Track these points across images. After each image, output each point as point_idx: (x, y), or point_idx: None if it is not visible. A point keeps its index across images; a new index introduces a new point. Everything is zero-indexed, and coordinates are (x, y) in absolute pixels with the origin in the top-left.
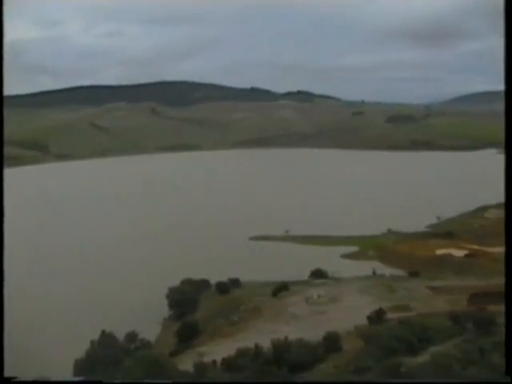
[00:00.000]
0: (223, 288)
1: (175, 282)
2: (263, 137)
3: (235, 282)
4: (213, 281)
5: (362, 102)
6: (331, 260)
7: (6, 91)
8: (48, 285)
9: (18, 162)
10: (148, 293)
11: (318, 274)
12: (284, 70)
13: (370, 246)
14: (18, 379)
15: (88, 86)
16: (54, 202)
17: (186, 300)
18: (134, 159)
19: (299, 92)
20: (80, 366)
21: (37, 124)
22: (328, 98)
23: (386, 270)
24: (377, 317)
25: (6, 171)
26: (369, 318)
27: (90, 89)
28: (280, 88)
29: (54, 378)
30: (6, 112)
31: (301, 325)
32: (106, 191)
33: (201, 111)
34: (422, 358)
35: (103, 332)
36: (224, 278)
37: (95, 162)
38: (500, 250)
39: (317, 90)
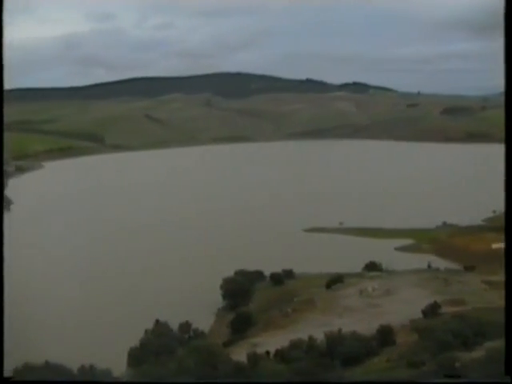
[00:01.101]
0: (277, 279)
1: (229, 272)
2: (318, 128)
3: (289, 274)
4: (267, 272)
5: (418, 93)
6: (386, 253)
7: (62, 83)
8: (103, 273)
9: (75, 152)
10: (202, 283)
11: (373, 266)
12: (339, 61)
13: (424, 239)
14: (18, 379)
15: (143, 78)
16: (109, 191)
17: (239, 291)
18: (189, 150)
19: (354, 83)
20: (134, 354)
21: (93, 116)
22: (383, 89)
23: (441, 264)
24: (431, 311)
25: (63, 161)
26: (423, 311)
27: (145, 81)
28: (335, 79)
29: (105, 367)
30: (61, 103)
31: (354, 317)
32: (161, 181)
33: (256, 103)
34: (477, 353)
35: (157, 321)
36: (278, 270)
37: (150, 153)
38: None
39: (372, 81)
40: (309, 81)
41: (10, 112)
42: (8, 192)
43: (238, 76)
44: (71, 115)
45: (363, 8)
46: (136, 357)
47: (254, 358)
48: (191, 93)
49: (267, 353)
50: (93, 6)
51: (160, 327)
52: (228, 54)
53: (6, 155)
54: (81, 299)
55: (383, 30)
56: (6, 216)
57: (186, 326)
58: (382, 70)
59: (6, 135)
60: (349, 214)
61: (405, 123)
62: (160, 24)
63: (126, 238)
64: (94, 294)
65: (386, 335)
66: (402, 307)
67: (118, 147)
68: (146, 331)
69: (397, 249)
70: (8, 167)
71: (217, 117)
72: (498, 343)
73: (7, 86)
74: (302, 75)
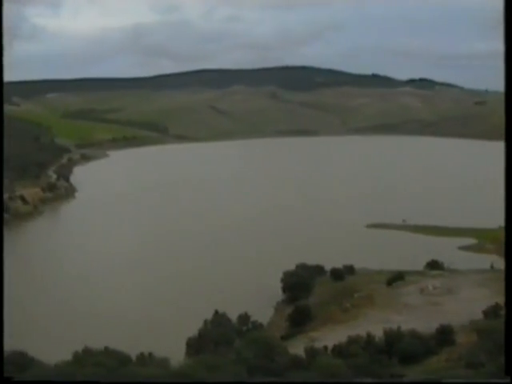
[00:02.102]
0: (338, 274)
1: (290, 266)
2: (383, 123)
3: (350, 269)
4: (328, 267)
5: (486, 91)
6: (448, 251)
7: (128, 73)
8: (165, 263)
9: (139, 142)
10: (263, 276)
11: (434, 265)
12: (405, 56)
13: (487, 239)
14: (17, 379)
15: (208, 70)
16: (172, 181)
17: (300, 285)
18: (253, 142)
19: (421, 79)
20: (192, 344)
21: (157, 106)
22: (450, 85)
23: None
24: (493, 312)
25: (127, 151)
26: (484, 312)
27: (210, 72)
28: (401, 75)
29: (163, 355)
30: (126, 93)
31: (414, 315)
32: (225, 173)
33: (321, 96)
34: None
35: (216, 312)
36: (339, 265)
37: (214, 144)
38: None
39: (438, 77)
40: (374, 76)
41: (75, 101)
42: (73, 180)
43: (303, 69)
44: (136, 105)
45: (431, 2)
46: (194, 346)
47: (311, 352)
48: (256, 85)
49: (325, 347)
50: None
51: (219, 318)
52: (293, 47)
53: (71, 142)
54: (141, 288)
55: (450, 24)
56: (71, 203)
57: (244, 318)
58: (448, 66)
59: (72, 123)
60: (412, 212)
61: (473, 120)
62: (226, 16)
63: (188, 228)
64: (155, 284)
65: (445, 335)
66: (463, 307)
67: (181, 138)
68: (205, 322)
69: (460, 248)
70: (73, 155)
71: (281, 109)
72: None
73: (74, 75)
74: (367, 70)
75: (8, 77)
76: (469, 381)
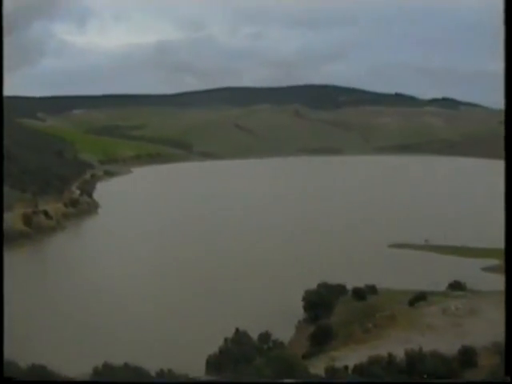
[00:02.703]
0: (360, 294)
1: (312, 285)
2: (406, 143)
3: (372, 289)
4: (350, 286)
5: None
6: (471, 272)
7: (153, 90)
8: (186, 278)
9: (163, 159)
10: (284, 294)
11: (457, 285)
12: (429, 75)
13: None
14: (18, 379)
15: (232, 88)
16: (196, 198)
17: (321, 303)
18: (277, 161)
19: (444, 99)
20: (212, 361)
21: (182, 123)
22: (474, 105)
23: None
24: None
25: (151, 167)
26: None
27: (234, 90)
28: (424, 94)
29: (183, 372)
30: (151, 110)
31: (436, 336)
32: (248, 190)
33: (344, 115)
34: None
35: (237, 330)
36: (361, 284)
37: (238, 162)
38: None
39: (462, 96)
40: (397, 95)
41: (100, 117)
42: (96, 195)
43: (327, 88)
44: (160, 122)
45: (454, 20)
46: (214, 364)
47: (331, 372)
48: (280, 103)
49: (345, 367)
50: (185, 15)
51: (239, 336)
52: (317, 66)
53: (94, 158)
54: (162, 303)
55: (474, 43)
56: (94, 218)
57: (265, 336)
58: (472, 85)
59: (96, 139)
60: (435, 232)
61: (498, 140)
62: (251, 33)
63: (209, 244)
64: (176, 300)
65: (467, 356)
66: (486, 328)
67: (205, 155)
68: (226, 339)
69: (483, 269)
70: (97, 171)
71: (305, 128)
72: None
73: (99, 91)
74: (390, 89)
75: (34, 92)
76: (469, 381)
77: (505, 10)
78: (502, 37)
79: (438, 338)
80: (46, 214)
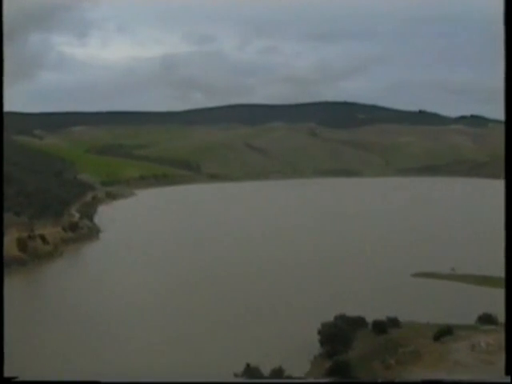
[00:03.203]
0: (381, 327)
1: (329, 316)
2: (431, 164)
3: (394, 322)
4: (370, 318)
5: None
6: (503, 304)
7: (159, 107)
8: (194, 307)
9: (169, 180)
10: (299, 326)
11: (487, 318)
12: (455, 91)
13: None
14: (18, 379)
15: (243, 105)
16: (204, 223)
17: (339, 337)
18: (291, 183)
19: (472, 116)
20: None
21: (189, 142)
22: (503, 122)
23: None
24: None
25: (157, 189)
26: None
27: (245, 107)
28: (450, 111)
29: None
30: (156, 128)
31: (464, 375)
32: (259, 215)
33: (363, 134)
34: None
35: (248, 365)
36: (382, 317)
37: (249, 184)
38: None
39: (491, 114)
40: (421, 112)
41: (102, 135)
42: (97, 219)
43: (344, 105)
44: (166, 141)
45: (482, 33)
46: None
47: None
48: (294, 122)
49: None
50: (192, 28)
51: (250, 372)
52: (334, 81)
53: (96, 179)
54: (169, 334)
55: (503, 56)
56: (95, 244)
57: (278, 372)
58: (501, 102)
59: (97, 159)
60: (462, 260)
61: None
62: (263, 47)
63: (218, 275)
64: (183, 332)
65: None
66: None
67: (214, 177)
68: (236, 375)
69: None
70: (98, 193)
71: (321, 148)
72: None
73: (101, 108)
74: (413, 106)
75: (31, 108)
76: (469, 381)
77: (505, 10)
78: None
79: (467, 377)
80: (42, 238)
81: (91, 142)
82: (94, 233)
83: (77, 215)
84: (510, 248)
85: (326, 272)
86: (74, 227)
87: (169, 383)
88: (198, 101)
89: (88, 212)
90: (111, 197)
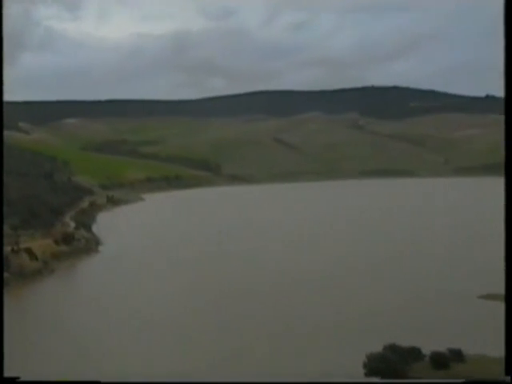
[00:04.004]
0: (440, 360)
1: (377, 347)
2: (498, 162)
3: (457, 354)
4: (426, 350)
5: None
6: None
7: (170, 95)
8: (208, 326)
9: (183, 183)
10: (341, 358)
11: None
12: None
13: None
14: (17, 379)
15: (270, 91)
16: (226, 235)
17: (389, 372)
18: (330, 186)
19: None
20: None
21: (207, 137)
22: None
23: None
24: None
25: (168, 194)
26: None
27: (274, 95)
28: None
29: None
30: (167, 121)
31: None
32: (293, 225)
33: (417, 126)
34: None
35: None
36: (442, 348)
37: (279, 187)
38: None
39: None
40: (488, 97)
41: (101, 129)
42: (96, 230)
43: (393, 91)
44: (179, 136)
45: None
46: None
47: None
48: (333, 112)
49: None
50: (209, 0)
51: None
52: (380, 63)
53: (94, 181)
54: (181, 353)
55: None
56: (93, 259)
57: None
58: None
59: (96, 158)
60: None
61: None
62: (293, 23)
63: (243, 298)
64: (196, 365)
65: None
66: None
67: (237, 178)
68: None
69: None
70: (98, 198)
71: (366, 143)
72: None
73: (100, 96)
74: (478, 90)
75: (14, 96)
76: (469, 381)
77: (505, 10)
78: None
79: None
80: (29, 253)
81: (88, 137)
82: (92, 246)
83: (72, 225)
84: (510, 247)
85: (375, 291)
86: (68, 239)
87: (168, 383)
88: (217, 88)
89: (85, 221)
90: (113, 202)
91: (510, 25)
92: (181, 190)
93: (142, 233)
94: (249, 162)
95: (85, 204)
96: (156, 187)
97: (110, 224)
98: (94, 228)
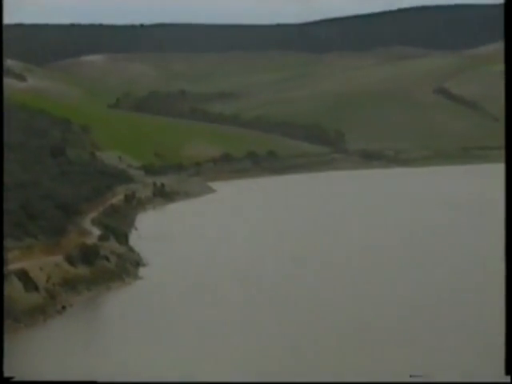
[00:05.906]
0: None
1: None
2: None
3: None
4: None
5: None
6: None
7: (249, 18)
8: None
9: (281, 164)
10: None
11: None
12: None
13: None
14: (18, 379)
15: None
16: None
17: None
18: None
19: None
20: None
21: (323, 87)
22: None
23: None
24: None
25: (257, 181)
26: None
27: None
28: None
29: None
30: (254, 58)
31: None
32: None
33: None
34: None
35: None
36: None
37: (448, 171)
38: None
39: None
40: None
41: (143, 72)
42: (134, 241)
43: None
44: (275, 84)
45: None
46: None
47: None
48: None
49: None
50: None
51: None
52: None
53: (134, 161)
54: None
55: None
56: (130, 291)
57: None
58: None
59: (135, 121)
60: None
61: None
62: None
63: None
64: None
65: None
66: None
67: (374, 157)
68: None
69: None
70: (138, 187)
71: None
72: None
73: (135, 18)
74: None
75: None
76: (469, 381)
77: (505, 10)
78: None
79: None
80: (25, 277)
81: (122, 85)
82: (128, 267)
83: (95, 232)
84: (510, 247)
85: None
86: (88, 256)
87: (168, 383)
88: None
89: (117, 226)
90: (164, 196)
91: (510, 25)
92: (278, 175)
93: (213, 250)
94: (394, 130)
95: (117, 198)
96: (235, 171)
97: (158, 232)
98: (133, 239)
